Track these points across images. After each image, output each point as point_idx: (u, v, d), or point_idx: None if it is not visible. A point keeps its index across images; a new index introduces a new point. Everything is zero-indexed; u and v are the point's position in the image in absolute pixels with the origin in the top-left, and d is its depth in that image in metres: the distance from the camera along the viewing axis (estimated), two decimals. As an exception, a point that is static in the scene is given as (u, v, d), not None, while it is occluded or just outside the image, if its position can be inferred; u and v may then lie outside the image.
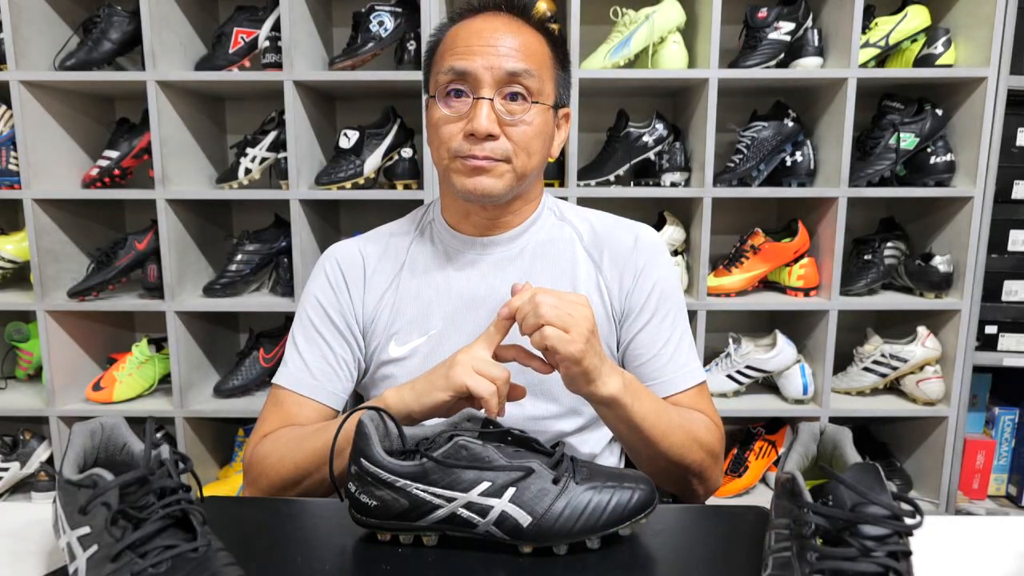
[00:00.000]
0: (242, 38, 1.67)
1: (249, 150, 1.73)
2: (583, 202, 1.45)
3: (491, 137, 0.83)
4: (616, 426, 0.82)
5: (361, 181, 1.68)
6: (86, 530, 0.53)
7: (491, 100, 0.83)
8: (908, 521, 0.51)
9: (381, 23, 1.65)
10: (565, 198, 1.62)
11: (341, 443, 0.76)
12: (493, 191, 0.86)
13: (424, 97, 0.94)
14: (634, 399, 0.78)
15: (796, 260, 1.75)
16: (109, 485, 0.53)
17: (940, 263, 1.69)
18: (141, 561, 0.51)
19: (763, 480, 1.86)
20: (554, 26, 0.93)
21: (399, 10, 1.66)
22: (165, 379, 1.79)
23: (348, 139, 1.69)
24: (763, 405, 1.78)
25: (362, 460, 0.63)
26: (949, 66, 1.67)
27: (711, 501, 0.90)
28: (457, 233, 0.95)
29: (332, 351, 0.93)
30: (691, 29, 1.71)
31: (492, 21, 0.86)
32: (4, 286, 1.87)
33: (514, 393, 0.79)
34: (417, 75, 1.61)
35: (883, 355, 1.74)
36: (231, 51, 1.67)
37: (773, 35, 1.65)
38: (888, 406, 1.75)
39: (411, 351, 0.92)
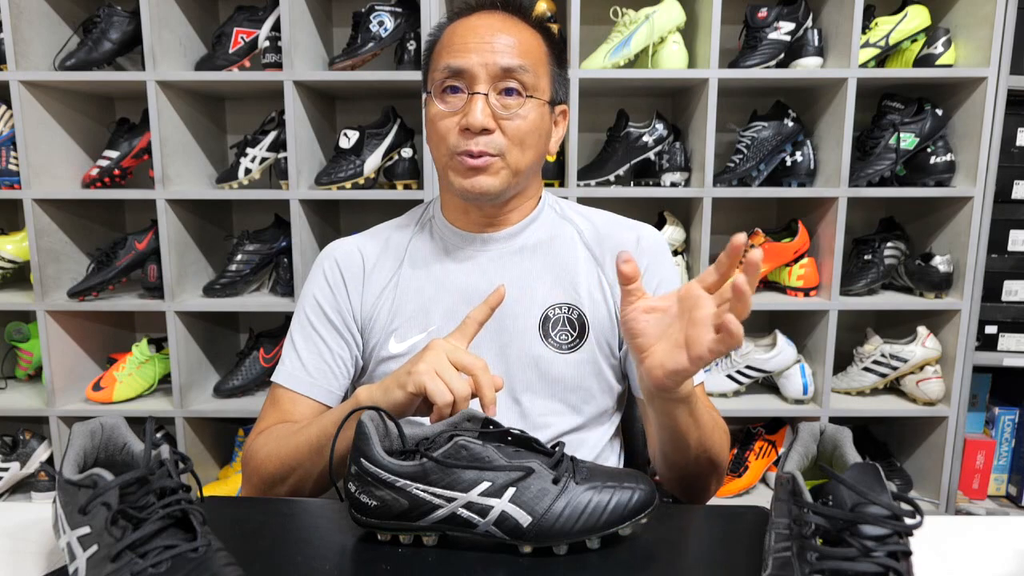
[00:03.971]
0: (242, 38, 1.67)
1: (249, 150, 1.73)
2: (583, 202, 1.45)
3: (486, 131, 0.84)
4: (678, 423, 0.77)
5: (361, 181, 1.68)
6: (86, 530, 0.53)
7: (486, 95, 0.84)
8: (908, 521, 0.51)
9: (381, 23, 1.65)
10: (565, 198, 1.62)
11: (324, 440, 0.77)
12: (490, 190, 0.87)
13: (424, 96, 0.95)
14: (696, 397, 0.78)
15: (796, 260, 1.75)
16: (109, 485, 0.53)
17: (940, 263, 1.69)
18: (141, 561, 0.51)
19: (763, 480, 1.86)
20: (554, 26, 0.94)
21: (399, 10, 1.66)
22: (165, 379, 1.79)
23: (348, 139, 1.69)
24: (763, 405, 1.78)
25: (362, 460, 0.63)
26: (949, 66, 1.67)
27: (711, 501, 0.90)
28: (457, 229, 0.96)
29: (329, 349, 0.93)
30: (691, 29, 1.71)
31: (488, 19, 0.88)
32: (4, 286, 1.87)
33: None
34: (417, 75, 1.61)
35: (883, 355, 1.74)
36: (231, 51, 1.67)
37: (773, 35, 1.65)
38: (888, 406, 1.75)
39: (411, 347, 0.92)
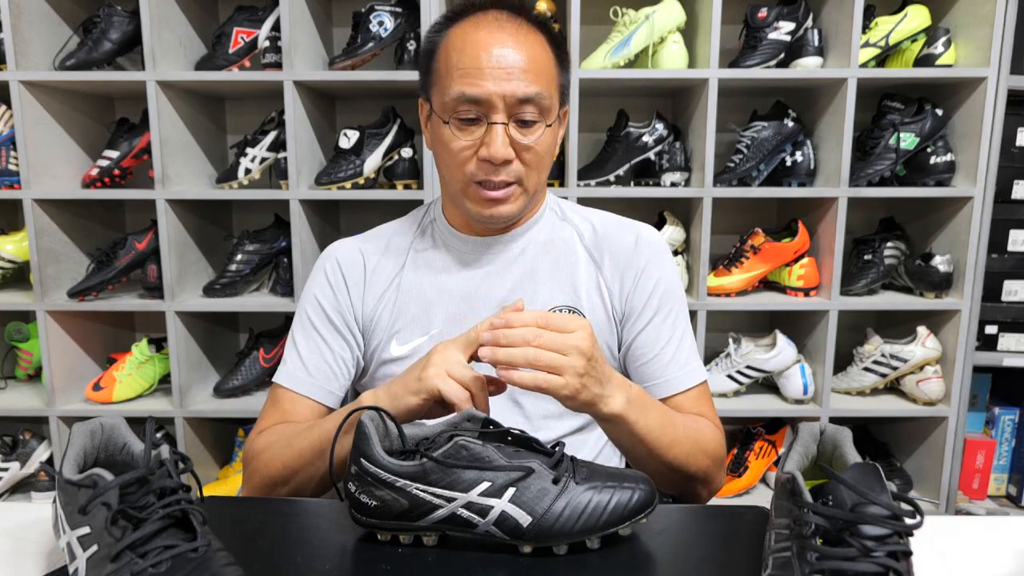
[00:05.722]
0: (242, 38, 1.67)
1: (249, 150, 1.73)
2: (583, 202, 1.45)
3: (506, 162, 0.83)
4: (619, 439, 0.81)
5: (361, 181, 1.68)
6: (86, 530, 0.53)
7: (505, 124, 0.83)
8: (908, 521, 0.51)
9: (381, 23, 1.65)
10: (566, 198, 1.62)
11: (325, 444, 0.76)
12: (509, 216, 0.88)
13: (421, 100, 0.93)
14: (639, 415, 0.77)
15: (796, 260, 1.75)
16: (109, 485, 0.53)
17: (940, 263, 1.69)
18: (141, 561, 0.51)
19: (763, 480, 1.86)
20: (554, 26, 0.93)
21: (399, 10, 1.66)
22: (165, 379, 1.79)
23: (348, 139, 1.69)
24: (763, 405, 1.78)
25: (362, 460, 0.63)
26: (949, 66, 1.67)
27: (711, 501, 0.90)
28: (459, 232, 0.95)
29: (330, 350, 0.93)
30: (691, 29, 1.71)
31: (496, 33, 0.83)
32: (4, 286, 1.87)
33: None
34: (417, 75, 1.61)
35: (883, 355, 1.74)
36: (231, 51, 1.67)
37: (773, 35, 1.65)
38: (888, 406, 1.75)
39: (412, 350, 0.92)
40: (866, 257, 1.77)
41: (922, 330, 1.72)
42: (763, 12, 1.65)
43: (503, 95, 0.81)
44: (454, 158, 0.85)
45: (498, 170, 0.84)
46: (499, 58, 0.82)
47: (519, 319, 0.71)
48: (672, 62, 1.66)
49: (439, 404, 0.74)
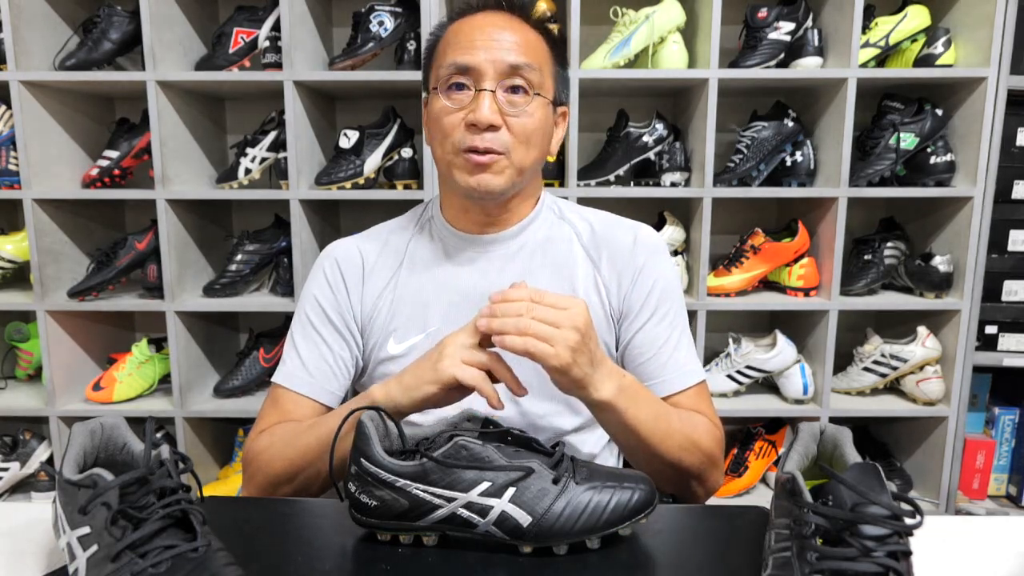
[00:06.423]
0: (242, 38, 1.67)
1: (249, 150, 1.73)
2: (583, 202, 1.45)
3: (492, 128, 0.84)
4: (610, 428, 0.82)
5: (361, 181, 1.68)
6: (86, 530, 0.53)
7: (493, 92, 0.84)
8: (908, 521, 0.51)
9: (381, 23, 1.65)
10: (565, 198, 1.62)
11: (328, 441, 0.77)
12: (495, 188, 0.87)
13: (424, 96, 0.94)
14: (629, 403, 0.78)
15: (796, 260, 1.75)
16: (109, 485, 0.53)
17: (940, 263, 1.69)
18: (141, 561, 0.51)
19: (763, 480, 1.86)
20: (554, 26, 0.94)
21: (399, 10, 1.66)
22: (165, 379, 1.79)
23: (348, 139, 1.69)
24: (763, 405, 1.78)
25: (362, 460, 0.63)
26: (949, 66, 1.67)
27: (711, 501, 0.90)
28: (456, 230, 0.95)
29: (330, 350, 0.93)
30: (691, 29, 1.71)
31: (493, 18, 0.87)
32: (4, 286, 1.87)
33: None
34: (417, 75, 1.61)
35: (883, 355, 1.74)
36: (231, 51, 1.67)
37: (773, 35, 1.65)
38: (888, 406, 1.75)
39: (409, 348, 0.92)
40: (866, 257, 1.77)
41: (922, 330, 1.72)
42: (763, 12, 1.65)
43: (492, 61, 0.84)
44: (442, 127, 0.86)
45: (484, 136, 0.84)
46: (492, 33, 0.85)
47: (516, 294, 0.73)
48: (672, 62, 1.66)
49: (456, 390, 0.75)
